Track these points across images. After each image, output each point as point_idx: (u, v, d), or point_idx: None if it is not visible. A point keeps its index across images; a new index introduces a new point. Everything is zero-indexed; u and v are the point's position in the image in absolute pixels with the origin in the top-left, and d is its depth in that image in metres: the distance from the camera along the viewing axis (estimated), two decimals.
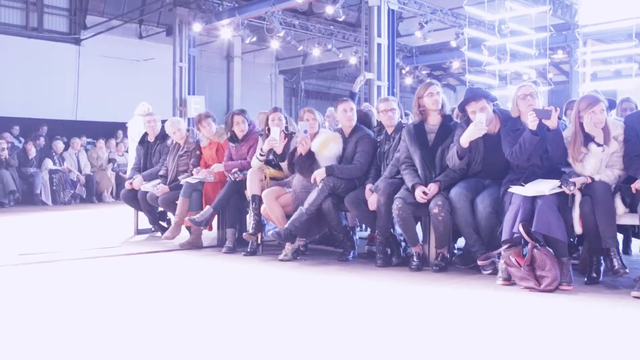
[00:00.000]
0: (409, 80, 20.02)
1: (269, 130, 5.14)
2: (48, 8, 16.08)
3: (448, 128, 4.45)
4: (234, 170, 5.27)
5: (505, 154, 4.11)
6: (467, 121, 4.29)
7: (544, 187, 3.78)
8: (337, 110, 5.03)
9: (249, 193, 5.07)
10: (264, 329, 2.83)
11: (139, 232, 6.45)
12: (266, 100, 20.10)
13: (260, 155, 5.16)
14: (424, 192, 4.24)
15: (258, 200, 4.98)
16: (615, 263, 3.66)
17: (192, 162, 5.89)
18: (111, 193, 11.95)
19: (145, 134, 6.52)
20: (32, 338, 2.67)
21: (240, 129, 5.48)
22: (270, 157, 5.24)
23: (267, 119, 5.26)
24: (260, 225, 5.05)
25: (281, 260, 4.74)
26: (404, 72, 19.55)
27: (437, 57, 19.34)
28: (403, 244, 4.71)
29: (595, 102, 3.83)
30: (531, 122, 3.90)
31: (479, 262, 4.09)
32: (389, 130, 4.85)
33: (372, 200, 4.53)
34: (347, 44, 18.06)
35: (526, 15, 12.62)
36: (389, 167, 4.67)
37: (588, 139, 3.86)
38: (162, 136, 6.36)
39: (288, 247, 4.79)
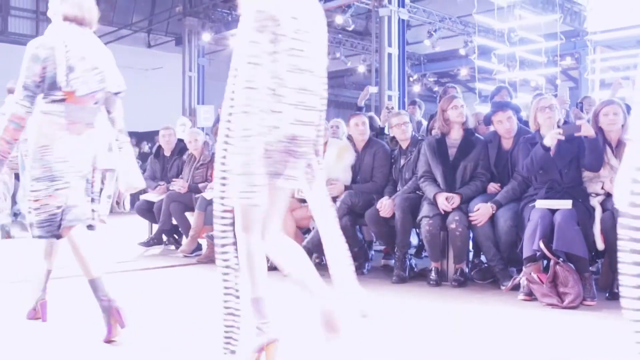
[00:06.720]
0: (416, 88, 20.00)
1: None
2: None
3: (470, 143, 4.41)
4: None
5: (519, 167, 4.14)
6: (494, 134, 4.35)
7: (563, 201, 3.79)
8: (350, 124, 5.05)
9: None
10: (281, 345, 2.80)
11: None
12: None
13: None
14: (447, 199, 4.23)
15: None
16: None
17: (209, 174, 5.85)
18: (120, 203, 11.97)
19: (160, 148, 6.48)
20: None
21: None
22: None
23: None
24: None
25: None
26: (411, 79, 19.52)
27: (445, 64, 19.33)
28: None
29: (607, 104, 3.98)
30: (549, 139, 3.89)
31: (505, 289, 3.99)
32: (404, 145, 4.84)
33: (385, 203, 4.47)
34: (356, 52, 18.07)
35: (535, 23, 12.62)
36: (409, 183, 4.65)
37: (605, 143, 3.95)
38: (179, 150, 6.32)
39: None
